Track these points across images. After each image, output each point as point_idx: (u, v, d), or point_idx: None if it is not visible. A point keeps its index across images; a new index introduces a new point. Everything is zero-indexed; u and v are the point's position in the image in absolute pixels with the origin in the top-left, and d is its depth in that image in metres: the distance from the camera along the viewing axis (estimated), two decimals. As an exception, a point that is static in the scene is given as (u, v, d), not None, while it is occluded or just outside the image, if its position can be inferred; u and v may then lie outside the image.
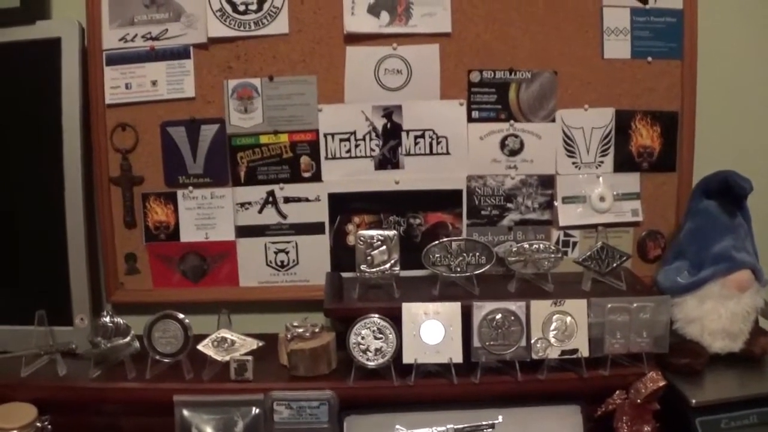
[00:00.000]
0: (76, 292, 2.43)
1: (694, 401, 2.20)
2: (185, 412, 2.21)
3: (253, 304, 2.57)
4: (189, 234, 2.54)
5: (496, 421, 2.24)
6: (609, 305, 2.27)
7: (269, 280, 2.58)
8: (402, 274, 2.41)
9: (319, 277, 2.52)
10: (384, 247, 2.37)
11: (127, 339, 2.30)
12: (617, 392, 2.25)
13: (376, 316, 2.25)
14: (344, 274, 2.53)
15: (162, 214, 2.53)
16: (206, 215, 2.52)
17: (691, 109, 2.55)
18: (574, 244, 2.60)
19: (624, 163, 2.57)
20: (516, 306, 2.26)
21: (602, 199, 2.55)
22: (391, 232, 2.39)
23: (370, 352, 2.24)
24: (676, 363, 2.31)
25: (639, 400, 2.20)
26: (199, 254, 2.55)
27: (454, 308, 2.27)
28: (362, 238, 2.38)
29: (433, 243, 2.40)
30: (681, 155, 2.58)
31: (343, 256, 2.55)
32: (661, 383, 2.19)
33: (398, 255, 2.38)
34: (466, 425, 2.23)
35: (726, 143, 2.60)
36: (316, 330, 2.33)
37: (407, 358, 2.24)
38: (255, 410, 2.21)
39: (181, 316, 2.28)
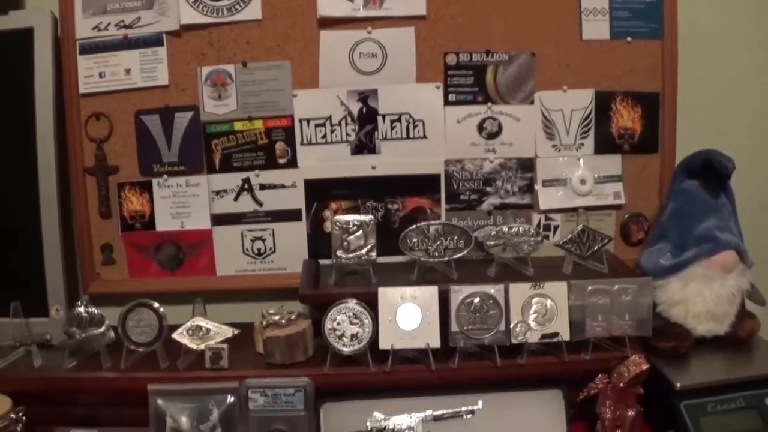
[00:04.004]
0: (52, 283, 2.36)
1: (678, 385, 2.10)
2: (159, 401, 2.12)
3: (231, 293, 2.49)
4: (164, 223, 2.47)
5: (475, 407, 2.14)
6: (589, 287, 2.18)
7: (246, 269, 2.50)
8: (380, 261, 2.34)
9: (297, 265, 2.43)
10: (360, 232, 2.29)
11: (102, 329, 2.21)
12: (599, 376, 2.15)
13: (352, 301, 2.16)
14: (322, 261, 2.45)
15: (137, 204, 2.45)
16: (181, 204, 2.45)
17: (672, 89, 2.46)
18: (556, 228, 2.51)
19: (605, 145, 2.49)
20: (494, 289, 2.17)
21: (583, 181, 2.47)
22: (367, 217, 2.30)
23: (346, 338, 2.14)
24: (660, 346, 2.21)
25: (622, 384, 2.10)
26: (175, 243, 2.48)
27: (431, 292, 2.18)
28: (338, 224, 2.30)
29: (411, 227, 2.32)
30: (663, 137, 2.49)
31: (320, 243, 2.46)
32: (644, 366, 2.09)
33: (375, 240, 2.30)
34: (445, 411, 2.13)
35: (709, 124, 2.51)
36: (292, 317, 2.24)
37: (383, 344, 2.14)
38: (230, 398, 2.12)
39: (155, 304, 2.19)
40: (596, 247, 2.35)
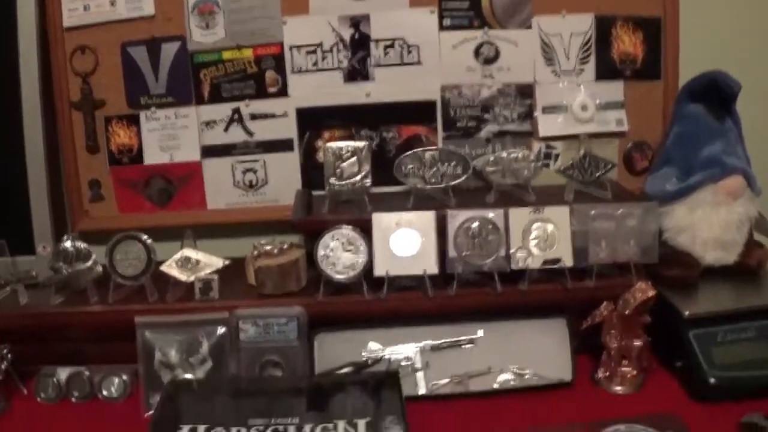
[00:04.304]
0: (38, 220, 2.26)
1: (687, 313, 1.98)
2: (147, 334, 2.01)
3: (222, 228, 2.39)
4: (153, 156, 2.36)
5: (475, 336, 2.02)
6: (593, 212, 2.07)
7: (238, 202, 2.40)
8: (375, 191, 2.22)
9: (289, 197, 2.32)
10: (354, 159, 2.17)
11: (89, 263, 2.11)
12: (604, 303, 2.01)
13: (346, 227, 2.04)
14: (315, 193, 2.33)
15: (125, 137, 2.35)
16: (170, 136, 2.35)
17: (674, 14, 2.34)
18: (557, 156, 2.40)
19: (606, 71, 2.36)
20: (493, 213, 2.05)
21: (584, 108, 2.35)
22: (361, 143, 2.18)
23: (340, 265, 2.02)
24: (667, 274, 2.09)
25: (627, 312, 1.97)
26: (164, 177, 2.38)
27: (428, 217, 2.06)
28: (331, 150, 2.18)
29: (406, 153, 2.20)
30: (665, 63, 2.36)
31: (313, 174, 2.35)
32: (651, 293, 1.96)
33: (369, 167, 2.18)
34: (443, 341, 2.02)
35: (712, 50, 2.36)
36: (285, 247, 2.13)
37: (378, 271, 2.03)
38: (220, 329, 2.02)
39: (143, 236, 2.08)
40: (599, 173, 2.24)
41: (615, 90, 2.37)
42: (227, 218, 2.39)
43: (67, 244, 2.11)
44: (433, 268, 2.04)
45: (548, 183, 2.31)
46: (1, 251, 2.15)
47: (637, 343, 2.00)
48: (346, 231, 2.04)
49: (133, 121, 2.34)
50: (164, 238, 2.22)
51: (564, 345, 2.04)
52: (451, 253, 2.04)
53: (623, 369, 2.00)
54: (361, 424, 1.76)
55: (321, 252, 2.03)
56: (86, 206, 2.39)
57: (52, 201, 2.27)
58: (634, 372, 2.00)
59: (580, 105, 2.35)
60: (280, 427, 1.75)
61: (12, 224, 2.26)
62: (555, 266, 2.05)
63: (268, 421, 1.77)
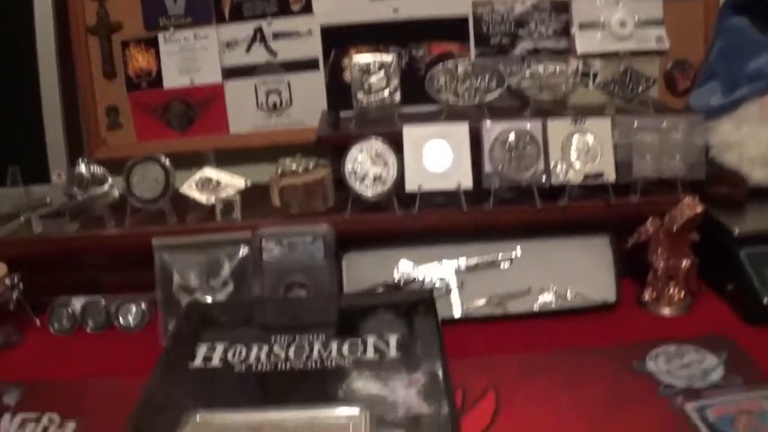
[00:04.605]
0: (52, 147, 2.16)
1: (737, 230, 1.83)
2: (166, 257, 1.86)
3: (246, 152, 2.25)
4: (172, 80, 2.24)
5: (513, 255, 1.87)
6: (636, 123, 1.92)
7: (261, 125, 2.27)
8: (405, 111, 2.08)
9: (315, 119, 2.18)
10: (382, 73, 2.02)
11: (105, 188, 1.98)
12: (650, 219, 1.85)
13: (375, 139, 1.90)
14: (343, 114, 2.19)
15: (143, 61, 2.23)
16: (190, 58, 2.23)
17: (711, -76, 2.20)
18: (594, 76, 2.24)
19: (644, -14, 2.22)
20: (531, 124, 1.90)
21: (623, 24, 2.20)
22: (389, 57, 2.03)
23: (368, 179, 1.88)
24: (715, 192, 1.94)
25: (675, 228, 1.81)
26: (184, 101, 2.25)
27: (462, 130, 1.91)
28: (358, 65, 2.03)
29: (437, 67, 2.05)
30: (705, -21, 2.22)
31: (339, 95, 2.20)
32: (699, 209, 1.79)
33: (398, 81, 2.03)
34: (479, 259, 1.86)
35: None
36: (311, 166, 1.98)
37: (410, 186, 1.89)
38: (243, 250, 1.86)
39: (162, 158, 1.96)
40: (640, 89, 2.08)
41: (654, 6, 2.22)
42: (250, 142, 2.26)
43: (82, 168, 1.98)
44: (467, 183, 1.89)
45: (587, 102, 2.17)
46: (15, 179, 2.05)
47: (685, 262, 1.84)
48: (375, 143, 1.89)
49: (151, 44, 2.22)
50: (185, 165, 2.09)
51: (607, 264, 1.87)
52: (487, 167, 1.90)
53: (671, 290, 1.84)
54: (393, 339, 1.59)
55: (349, 166, 1.89)
56: (103, 134, 2.28)
57: (67, 129, 2.17)
58: (682, 293, 1.84)
59: (618, 21, 2.20)
60: (305, 343, 1.58)
61: (26, 152, 2.16)
62: (597, 181, 1.90)
63: (292, 338, 1.60)
